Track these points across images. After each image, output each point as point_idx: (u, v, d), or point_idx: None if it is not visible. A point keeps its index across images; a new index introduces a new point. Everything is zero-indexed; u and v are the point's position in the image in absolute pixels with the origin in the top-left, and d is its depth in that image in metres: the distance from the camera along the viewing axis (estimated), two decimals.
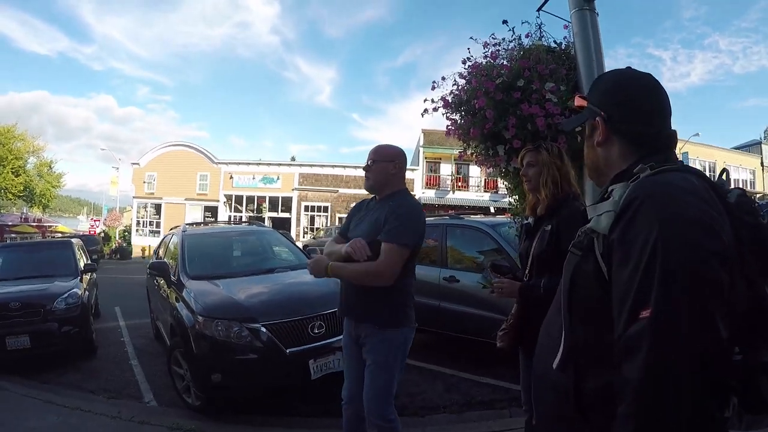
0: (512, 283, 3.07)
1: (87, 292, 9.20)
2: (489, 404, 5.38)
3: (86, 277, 9.86)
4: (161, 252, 9.11)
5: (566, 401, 1.42)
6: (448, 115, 4.93)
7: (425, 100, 4.99)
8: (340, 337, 5.02)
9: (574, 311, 1.43)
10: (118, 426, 5.30)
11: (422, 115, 5.06)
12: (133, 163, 44.35)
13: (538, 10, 4.96)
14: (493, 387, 5.84)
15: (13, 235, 48.59)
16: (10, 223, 56.62)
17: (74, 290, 8.46)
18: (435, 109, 4.95)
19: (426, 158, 38.55)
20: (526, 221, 3.29)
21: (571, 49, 4.77)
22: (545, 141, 3.30)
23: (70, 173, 68.11)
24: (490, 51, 4.81)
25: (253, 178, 40.35)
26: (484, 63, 4.76)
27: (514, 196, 5.03)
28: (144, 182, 42.65)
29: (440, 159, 38.33)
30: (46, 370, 7.66)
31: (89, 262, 11.25)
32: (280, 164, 40.99)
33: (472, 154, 5.07)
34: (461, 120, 4.80)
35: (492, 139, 4.58)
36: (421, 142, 37.98)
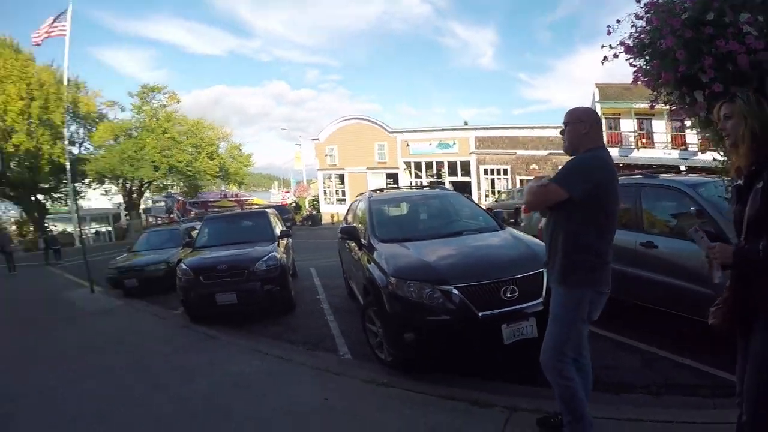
0: (724, 247, 2.62)
1: (284, 255, 10.03)
2: (691, 390, 4.69)
3: (282, 242, 10.71)
4: (350, 218, 9.53)
5: None
6: (631, 61, 4.57)
7: (602, 47, 4.55)
8: (534, 302, 5.11)
9: None
10: (316, 375, 5.74)
11: (602, 63, 4.64)
12: (313, 139, 47.96)
13: None
14: (696, 371, 5.07)
15: (215, 209, 53.38)
16: (212, 199, 62.26)
17: (273, 253, 9.31)
18: (615, 56, 4.56)
19: (603, 114, 35.34)
20: (736, 182, 2.85)
21: None
22: (745, 86, 3.01)
23: (257, 153, 73.72)
24: None
25: (429, 144, 40.62)
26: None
27: (719, 152, 4.32)
28: (326, 155, 45.89)
29: (619, 114, 34.94)
30: (251, 323, 8.54)
31: (284, 228, 12.10)
32: (455, 129, 40.82)
33: (666, 103, 4.64)
34: (647, 65, 4.42)
35: (687, 84, 4.13)
36: (596, 98, 34.94)
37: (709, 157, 4.67)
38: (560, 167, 3.36)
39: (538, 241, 6.26)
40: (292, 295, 9.59)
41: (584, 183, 3.25)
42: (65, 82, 39.49)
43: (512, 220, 20.19)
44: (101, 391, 5.80)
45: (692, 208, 5.85)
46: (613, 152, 34.07)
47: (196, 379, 5.89)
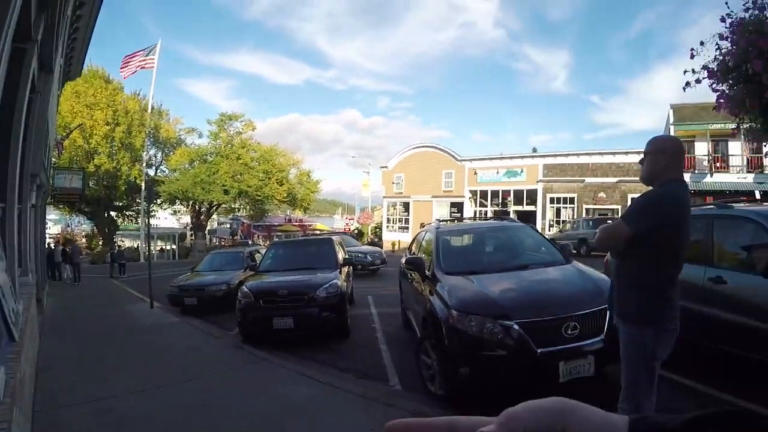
0: None
1: (345, 283, 10.06)
2: None
3: (345, 269, 10.76)
4: (414, 248, 9.46)
5: None
6: (714, 86, 4.33)
7: (685, 72, 4.39)
8: (594, 339, 5.04)
9: None
10: (363, 404, 5.62)
11: (684, 89, 4.48)
12: (382, 167, 48.56)
13: None
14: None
15: (278, 233, 54.49)
16: (276, 224, 63.61)
17: (334, 281, 9.32)
18: (698, 81, 4.37)
19: (679, 137, 34.34)
20: None
21: None
22: None
23: (325, 179, 74.61)
24: (751, 1, 4.11)
25: (497, 173, 40.30)
26: (748, 16, 4.09)
27: None
28: (393, 183, 46.53)
29: (694, 137, 32.73)
30: (304, 348, 8.55)
31: (347, 256, 12.06)
32: (523, 156, 40.32)
33: (748, 129, 4.36)
34: (731, 90, 4.14)
35: None
36: (671, 119, 33.32)
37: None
38: (631, 198, 3.24)
39: (604, 276, 6.17)
40: (348, 323, 9.57)
41: (649, 220, 3.21)
42: (149, 110, 42.12)
43: (574, 251, 19.58)
44: (147, 406, 5.87)
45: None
46: (686, 177, 32.64)
47: (246, 401, 5.88)
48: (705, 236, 6.28)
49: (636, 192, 33.18)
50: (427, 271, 6.87)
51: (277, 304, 8.84)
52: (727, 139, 30.87)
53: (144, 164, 43.94)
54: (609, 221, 3.67)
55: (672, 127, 32.72)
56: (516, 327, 4.96)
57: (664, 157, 3.31)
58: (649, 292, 3.22)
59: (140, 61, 39.26)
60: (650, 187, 3.38)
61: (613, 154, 35.77)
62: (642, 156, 3.41)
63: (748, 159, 31.25)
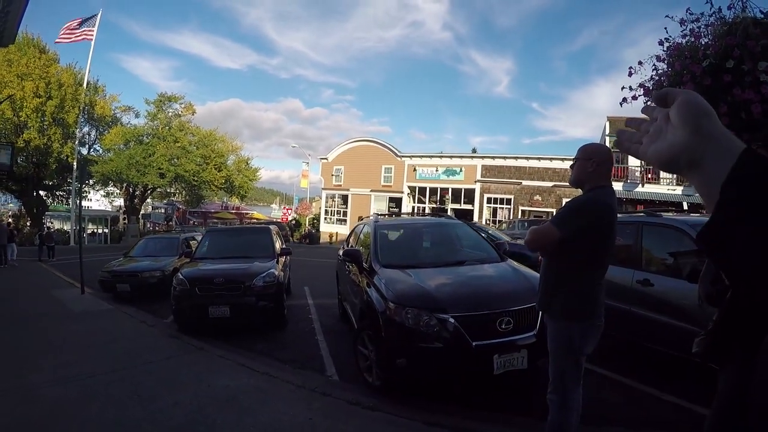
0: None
1: (282, 273, 10.01)
2: (671, 426, 4.85)
3: (282, 259, 10.69)
4: (352, 240, 9.54)
5: None
6: (648, 103, 4.57)
7: (623, 88, 4.62)
8: (527, 334, 5.23)
9: None
10: (303, 394, 5.66)
11: (621, 104, 4.69)
12: (322, 158, 48.03)
13: None
14: (677, 406, 5.24)
15: (214, 221, 53.44)
16: (212, 210, 62.69)
17: (271, 270, 9.26)
18: (634, 98, 4.61)
19: (613, 148, 35.59)
20: None
21: None
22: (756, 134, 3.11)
23: (264, 168, 73.93)
24: (689, 28, 4.39)
25: (436, 170, 40.71)
26: (684, 42, 4.36)
27: None
28: (332, 175, 46.07)
29: None
30: (241, 337, 8.50)
31: (285, 246, 12.03)
32: (463, 156, 40.78)
33: None
34: None
35: None
36: (607, 131, 35.33)
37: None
38: (565, 201, 3.44)
39: (537, 274, 6.28)
40: (285, 313, 9.58)
41: (576, 224, 3.35)
42: (84, 85, 40.03)
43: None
44: (78, 396, 5.66)
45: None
46: (617, 186, 34.15)
47: (181, 391, 5.77)
48: (634, 241, 6.76)
49: (570, 196, 34.18)
50: (364, 264, 6.95)
51: (213, 292, 8.70)
52: None
53: (77, 142, 41.89)
54: (542, 223, 3.84)
55: (607, 138, 34.27)
56: (452, 320, 5.10)
57: (592, 164, 3.51)
58: (574, 290, 3.42)
59: (77, 31, 37.77)
60: (580, 191, 3.60)
61: (550, 159, 36.78)
62: (572, 161, 3.64)
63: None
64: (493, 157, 39.19)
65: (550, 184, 36.27)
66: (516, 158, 38.26)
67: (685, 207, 26.90)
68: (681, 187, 32.30)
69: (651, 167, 34.35)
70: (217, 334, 8.54)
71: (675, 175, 32.11)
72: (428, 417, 4.92)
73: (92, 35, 38.42)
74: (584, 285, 3.43)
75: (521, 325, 5.26)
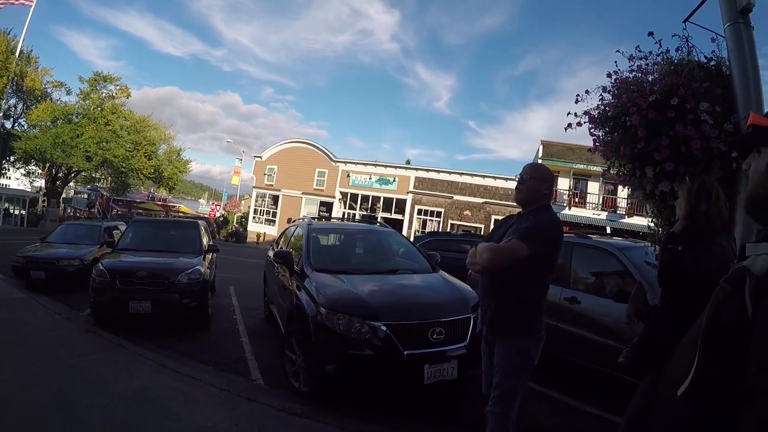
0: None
1: (208, 270, 9.70)
2: None
3: (208, 256, 10.37)
4: (282, 242, 9.37)
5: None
6: (592, 130, 4.73)
7: (568, 114, 4.79)
8: (458, 345, 5.28)
9: (710, 343, 1.40)
10: (227, 399, 5.42)
11: (566, 129, 4.85)
12: (255, 156, 47.53)
13: (685, 21, 4.65)
14: (598, 417, 5.50)
15: (140, 211, 51.83)
16: (138, 200, 60.94)
17: (197, 267, 8.97)
18: (579, 124, 4.75)
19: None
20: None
21: (723, 65, 4.41)
22: (692, 168, 3.29)
23: (195, 161, 72.46)
24: (636, 64, 4.58)
25: (370, 178, 41.03)
26: (631, 77, 4.53)
27: (654, 221, 4.72)
28: (264, 174, 45.71)
29: (558, 172, 35.95)
30: (162, 336, 8.14)
31: (212, 243, 11.71)
32: (397, 167, 41.22)
33: (616, 173, 4.82)
34: (607, 136, 4.58)
35: (641, 160, 4.32)
36: (540, 154, 36.83)
37: (635, 221, 5.01)
38: (528, 225, 3.44)
39: (468, 287, 6.48)
40: (209, 312, 9.28)
41: (544, 241, 3.40)
42: (17, 54, 37.77)
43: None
44: None
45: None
46: None
47: (97, 392, 5.41)
48: (564, 260, 6.92)
49: (499, 214, 35.46)
50: (296, 267, 6.81)
51: (134, 286, 8.31)
52: (587, 178, 34.58)
53: (1, 114, 39.50)
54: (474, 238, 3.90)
55: (540, 161, 35.31)
56: (384, 328, 5.07)
57: (546, 185, 3.65)
58: (533, 305, 3.51)
59: None
60: (517, 209, 3.72)
61: (483, 176, 37.74)
62: (522, 178, 3.65)
63: (603, 198, 35.06)
64: (427, 170, 39.81)
65: (480, 200, 37.13)
66: (449, 173, 39.00)
67: (608, 231, 28.31)
68: (605, 212, 34.08)
69: (578, 191, 35.96)
70: (137, 331, 8.09)
71: (601, 201, 34.19)
72: (357, 425, 4.89)
73: (32, 1, 36.47)
74: (540, 299, 3.55)
75: (452, 335, 5.29)
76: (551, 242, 3.47)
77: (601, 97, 4.63)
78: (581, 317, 6.44)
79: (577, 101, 4.76)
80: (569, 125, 4.81)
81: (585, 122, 4.69)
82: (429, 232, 24.40)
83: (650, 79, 4.41)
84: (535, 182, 3.60)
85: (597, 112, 4.64)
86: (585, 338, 6.27)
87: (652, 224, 4.74)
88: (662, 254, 3.20)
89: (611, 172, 4.94)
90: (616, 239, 8.10)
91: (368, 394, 5.57)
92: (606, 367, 5.78)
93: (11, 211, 42.71)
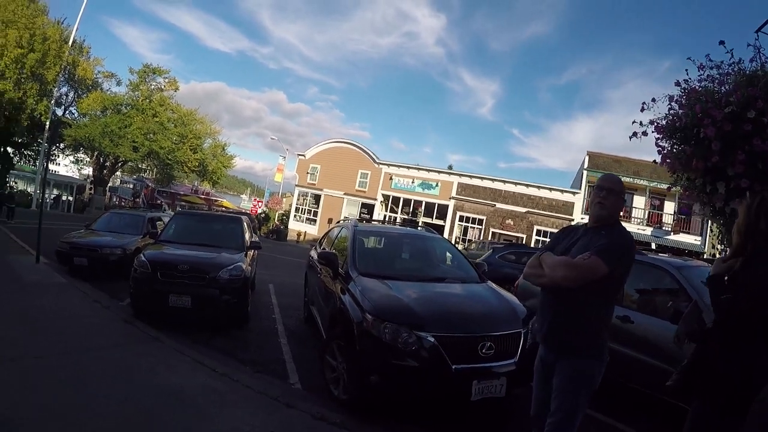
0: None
1: (249, 267, 9.54)
2: None
3: (250, 253, 10.22)
4: (325, 243, 9.20)
5: None
6: (658, 141, 4.51)
7: (633, 122, 4.60)
8: (508, 361, 5.04)
9: None
10: (264, 403, 5.25)
11: (630, 138, 4.66)
12: (299, 154, 47.78)
13: (758, 31, 4.43)
14: None
15: (182, 203, 52.54)
16: (182, 192, 61.89)
17: (239, 263, 8.82)
18: (644, 134, 4.54)
19: (589, 182, 35.80)
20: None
21: None
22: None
23: (239, 156, 73.34)
24: (706, 74, 4.36)
25: (412, 182, 40.75)
26: (701, 87, 4.31)
27: (720, 240, 4.46)
28: (307, 173, 45.80)
29: None
30: (199, 331, 8.04)
31: (255, 239, 11.62)
32: (440, 171, 40.88)
33: (685, 188, 4.58)
34: (677, 148, 4.33)
35: (713, 174, 4.06)
36: (586, 165, 36.08)
37: (680, 237, 4.79)
38: (607, 242, 3.19)
39: (517, 300, 6.26)
40: (248, 310, 9.13)
41: (623, 260, 3.21)
42: (70, 43, 38.50)
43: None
44: (20, 379, 5.08)
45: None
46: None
47: (131, 383, 5.31)
48: None
49: (542, 225, 34.92)
50: (340, 269, 6.63)
51: (175, 279, 8.20)
52: (633, 192, 33.64)
53: (53, 101, 39.89)
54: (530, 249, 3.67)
55: (585, 172, 34.87)
56: (432, 339, 4.83)
57: (623, 199, 3.47)
58: (601, 325, 3.32)
59: None
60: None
61: (527, 185, 37.18)
62: (605, 192, 3.35)
63: (649, 213, 34.05)
64: (471, 176, 39.39)
65: (523, 209, 36.56)
66: (493, 180, 38.51)
67: (653, 247, 27.56)
68: (651, 228, 33.25)
69: (625, 205, 35.23)
70: (175, 325, 8.01)
71: (646, 215, 33.46)
72: None
73: None
74: (608, 319, 3.40)
75: (502, 350, 5.04)
76: (627, 261, 3.26)
77: (669, 106, 4.41)
78: (634, 337, 6.10)
79: (642, 110, 4.57)
80: (634, 134, 4.60)
81: (652, 132, 4.49)
82: (507, 243, 24.37)
83: (723, 90, 4.18)
84: (617, 197, 3.38)
85: (666, 121, 4.41)
86: (635, 359, 5.95)
87: (719, 246, 4.49)
88: (713, 297, 3.00)
89: (677, 187, 4.71)
90: (664, 256, 7.78)
91: (410, 407, 5.31)
92: (655, 390, 5.54)
93: (59, 195, 43.67)
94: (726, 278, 2.94)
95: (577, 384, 3.24)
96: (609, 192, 3.34)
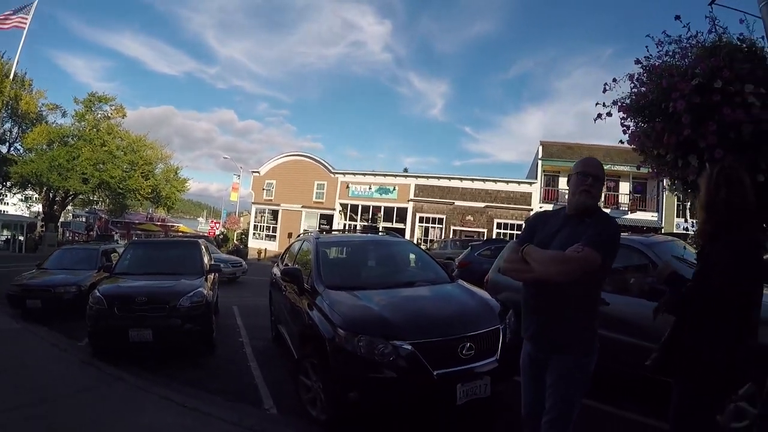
0: (666, 265, 3.06)
1: (211, 292, 9.22)
2: None
3: (210, 276, 9.90)
4: (287, 258, 8.92)
5: None
6: (623, 120, 4.44)
7: (597, 104, 4.59)
8: (489, 360, 4.87)
9: None
10: None
11: (594, 121, 4.66)
12: (253, 171, 47.57)
13: (711, 3, 4.42)
14: (637, 423, 5.23)
15: (138, 232, 51.62)
16: (136, 221, 61.01)
17: (199, 289, 8.48)
18: (609, 114, 4.49)
19: (544, 171, 36.95)
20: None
21: (754, 46, 4.15)
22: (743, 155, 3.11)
23: (193, 179, 72.32)
24: (665, 50, 4.32)
25: (369, 188, 40.97)
26: (660, 63, 4.26)
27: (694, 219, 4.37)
28: (263, 189, 45.59)
29: (559, 172, 36.40)
30: (165, 364, 7.69)
31: (214, 262, 11.28)
32: (396, 175, 41.20)
33: (653, 166, 4.51)
34: (644, 125, 4.27)
35: (684, 148, 3.98)
36: (540, 154, 36.83)
37: (638, 216, 4.80)
38: (597, 232, 3.01)
39: (489, 296, 6.15)
40: (214, 336, 8.79)
41: (615, 250, 3.12)
42: (11, 77, 37.37)
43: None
44: None
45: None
46: (548, 208, 35.20)
47: (98, 430, 4.98)
48: None
49: (501, 218, 35.44)
50: (305, 284, 6.37)
51: (133, 312, 7.78)
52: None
53: None
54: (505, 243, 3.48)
55: (540, 162, 35.45)
56: (409, 347, 4.62)
57: (605, 185, 3.38)
58: (593, 318, 3.20)
59: (12, 19, 35.24)
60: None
61: (483, 180, 37.60)
62: (592, 180, 3.13)
63: (606, 196, 34.94)
64: (428, 177, 39.85)
65: (482, 204, 36.98)
66: (450, 179, 38.94)
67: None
68: (608, 209, 33.91)
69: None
70: (138, 361, 7.59)
71: (603, 198, 34.11)
72: None
73: (25, 24, 35.36)
74: (597, 311, 3.27)
75: (483, 349, 4.87)
76: (616, 249, 3.13)
77: (633, 85, 4.33)
78: (610, 319, 5.68)
79: (605, 90, 4.55)
80: (599, 116, 4.57)
81: (619, 112, 4.44)
82: (485, 240, 24.19)
83: (686, 63, 4.12)
84: (602, 184, 3.21)
85: (629, 100, 4.34)
86: (613, 340, 5.69)
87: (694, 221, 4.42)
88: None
89: (647, 166, 4.64)
90: (625, 234, 7.77)
91: (395, 419, 5.07)
92: (637, 369, 5.43)
93: (9, 237, 42.26)
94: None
95: (571, 380, 3.10)
96: (596, 179, 3.14)
